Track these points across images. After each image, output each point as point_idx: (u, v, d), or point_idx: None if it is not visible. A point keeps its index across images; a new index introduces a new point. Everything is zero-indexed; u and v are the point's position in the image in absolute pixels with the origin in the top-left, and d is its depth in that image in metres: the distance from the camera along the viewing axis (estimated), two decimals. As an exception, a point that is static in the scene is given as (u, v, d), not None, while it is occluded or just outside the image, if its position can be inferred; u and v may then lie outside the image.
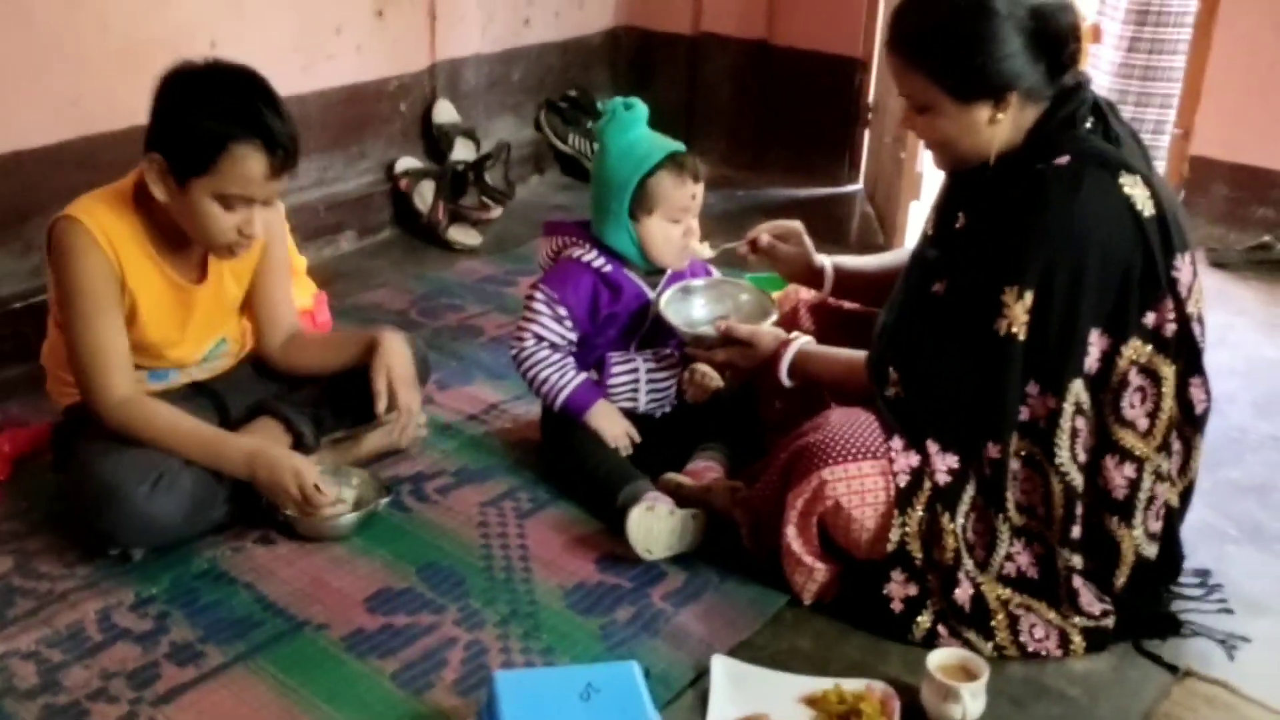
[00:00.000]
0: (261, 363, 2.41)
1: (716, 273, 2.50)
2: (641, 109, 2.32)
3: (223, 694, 1.81)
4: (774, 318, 2.28)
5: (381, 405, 2.24)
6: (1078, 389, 1.87)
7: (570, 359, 2.35)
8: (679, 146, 2.30)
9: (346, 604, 2.02)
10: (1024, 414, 1.90)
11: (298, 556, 2.14)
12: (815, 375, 2.17)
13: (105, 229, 2.06)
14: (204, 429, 2.15)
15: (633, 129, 2.30)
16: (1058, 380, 1.87)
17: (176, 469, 2.07)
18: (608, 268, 2.33)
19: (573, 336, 2.35)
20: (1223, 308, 3.26)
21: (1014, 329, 1.85)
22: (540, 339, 2.34)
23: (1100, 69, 3.93)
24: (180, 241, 2.13)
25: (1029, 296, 1.84)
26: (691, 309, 2.36)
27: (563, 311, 2.32)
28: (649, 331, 2.39)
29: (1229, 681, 1.90)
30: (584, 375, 2.35)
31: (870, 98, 4.27)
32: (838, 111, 4.33)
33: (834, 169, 4.40)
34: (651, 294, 2.35)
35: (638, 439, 2.36)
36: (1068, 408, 1.87)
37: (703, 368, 2.40)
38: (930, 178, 3.87)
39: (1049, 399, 1.88)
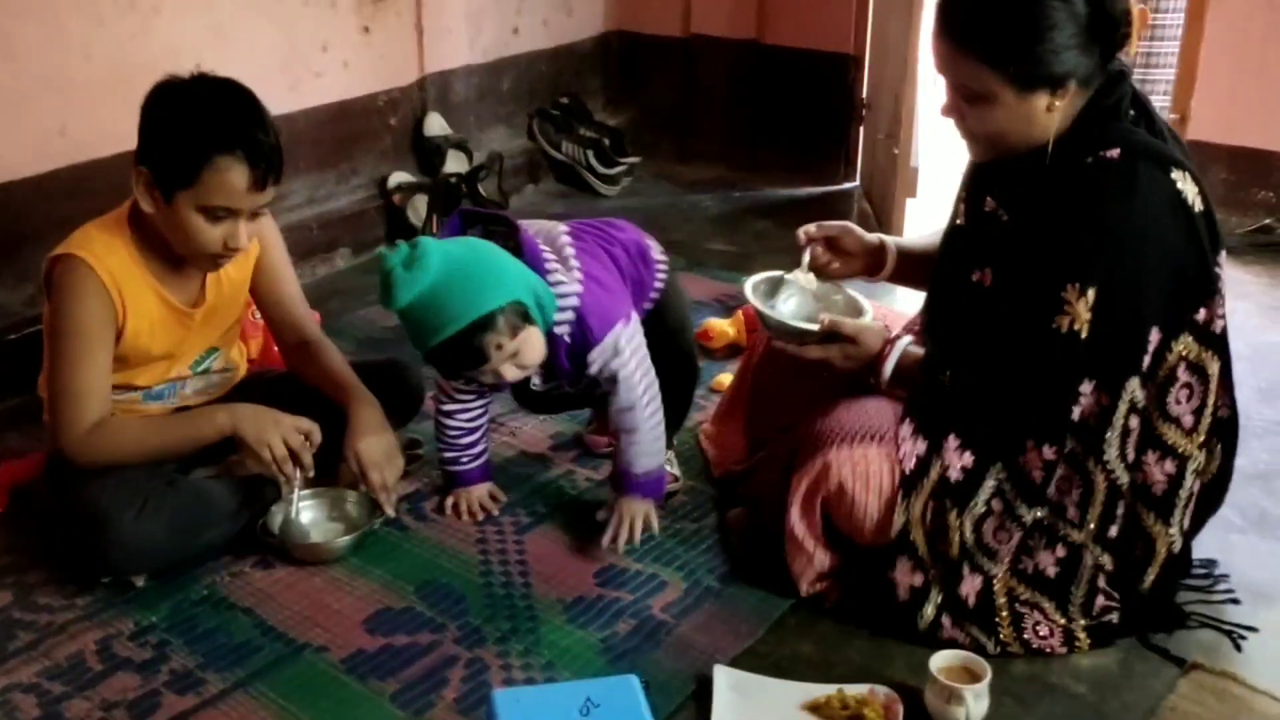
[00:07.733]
0: (275, 376, 2.44)
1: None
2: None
3: (223, 722, 1.81)
4: (870, 315, 2.09)
5: (353, 480, 2.26)
6: (1133, 387, 1.83)
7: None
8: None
9: (346, 625, 2.01)
10: (1073, 412, 1.85)
11: (296, 580, 2.13)
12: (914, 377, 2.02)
13: (106, 263, 2.06)
14: (173, 416, 2.15)
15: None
16: (1115, 379, 1.83)
17: (162, 491, 2.07)
18: None
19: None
20: (1226, 292, 3.23)
21: (1076, 326, 1.80)
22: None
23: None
24: (178, 262, 2.14)
25: (1092, 294, 1.79)
26: (779, 301, 2.13)
27: None
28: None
29: (1237, 673, 1.88)
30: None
31: (864, 94, 4.26)
32: (832, 109, 4.32)
33: (830, 167, 4.38)
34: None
35: (495, 511, 2.33)
36: (1122, 405, 1.83)
37: None
38: (925, 173, 3.85)
39: (1102, 396, 1.83)
